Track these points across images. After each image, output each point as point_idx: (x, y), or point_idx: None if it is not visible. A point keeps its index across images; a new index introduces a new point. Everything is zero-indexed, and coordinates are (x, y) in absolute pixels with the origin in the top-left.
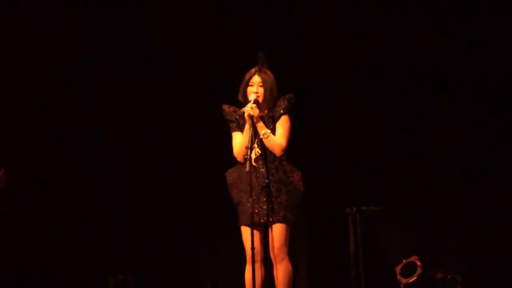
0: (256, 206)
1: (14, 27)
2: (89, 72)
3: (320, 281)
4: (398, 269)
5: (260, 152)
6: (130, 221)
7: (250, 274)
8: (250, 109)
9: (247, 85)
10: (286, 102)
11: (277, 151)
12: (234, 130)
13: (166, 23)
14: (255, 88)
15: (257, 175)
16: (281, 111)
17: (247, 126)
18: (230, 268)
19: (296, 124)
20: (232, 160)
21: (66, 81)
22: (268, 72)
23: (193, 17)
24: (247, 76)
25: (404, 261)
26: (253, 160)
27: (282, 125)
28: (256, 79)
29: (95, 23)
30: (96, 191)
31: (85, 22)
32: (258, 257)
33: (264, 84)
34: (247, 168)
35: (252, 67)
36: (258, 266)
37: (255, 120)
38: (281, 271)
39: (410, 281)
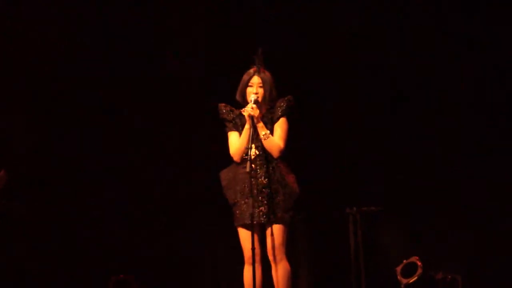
0: (255, 206)
1: (14, 27)
2: (89, 72)
3: (320, 281)
4: (398, 269)
5: (257, 152)
6: (130, 221)
7: (249, 274)
8: (251, 110)
9: (247, 85)
10: (285, 104)
11: (275, 153)
12: (231, 130)
13: (166, 23)
14: (254, 89)
15: (255, 175)
16: (280, 113)
17: (247, 126)
18: (230, 268)
19: (296, 124)
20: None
21: (66, 81)
22: (267, 72)
23: (193, 17)
24: (246, 76)
25: (404, 261)
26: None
27: (280, 127)
28: (256, 79)
29: (95, 23)
30: (96, 191)
31: (85, 22)
32: (256, 258)
33: (264, 85)
34: (247, 169)
35: (250, 66)
36: (256, 267)
37: (255, 121)
38: (280, 271)
39: (411, 281)
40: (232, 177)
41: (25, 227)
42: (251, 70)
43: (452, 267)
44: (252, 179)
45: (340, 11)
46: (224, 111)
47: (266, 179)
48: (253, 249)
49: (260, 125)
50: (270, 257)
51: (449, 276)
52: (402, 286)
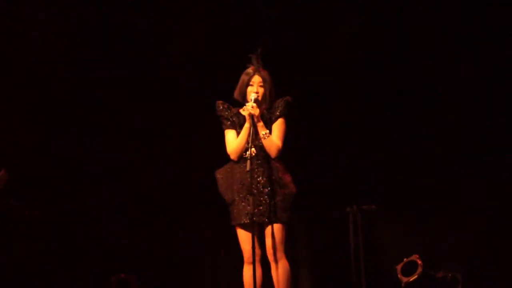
0: (253, 205)
1: (14, 27)
2: (89, 72)
3: (320, 281)
4: (399, 267)
5: (256, 152)
6: (130, 221)
7: (248, 274)
8: (251, 108)
9: (248, 84)
10: (283, 105)
11: (273, 152)
12: (228, 128)
13: (166, 23)
14: (255, 88)
15: (253, 175)
16: (278, 113)
17: (247, 125)
18: (230, 268)
19: (296, 124)
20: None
21: (66, 81)
22: (266, 71)
23: (193, 17)
24: (246, 75)
25: (405, 259)
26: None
27: (278, 127)
28: (257, 78)
29: (95, 23)
30: (96, 191)
31: (85, 22)
32: (256, 258)
33: (264, 84)
34: (248, 168)
35: (247, 66)
36: (256, 266)
37: (255, 120)
38: (280, 270)
39: (411, 279)
40: (229, 176)
41: (25, 227)
42: (250, 70)
43: (452, 267)
44: (250, 179)
45: (340, 11)
46: (221, 108)
47: (264, 179)
48: (253, 248)
49: (260, 124)
50: (270, 257)
51: (450, 275)
52: (403, 284)
